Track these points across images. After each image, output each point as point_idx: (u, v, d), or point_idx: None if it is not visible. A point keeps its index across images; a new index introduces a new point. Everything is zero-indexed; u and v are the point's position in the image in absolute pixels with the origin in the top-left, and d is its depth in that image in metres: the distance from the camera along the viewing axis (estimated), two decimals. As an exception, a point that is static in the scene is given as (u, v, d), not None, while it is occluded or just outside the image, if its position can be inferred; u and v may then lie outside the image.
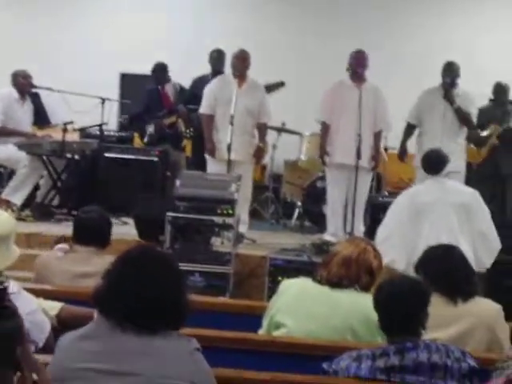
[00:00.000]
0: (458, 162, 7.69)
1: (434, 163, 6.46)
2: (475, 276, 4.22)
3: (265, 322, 3.96)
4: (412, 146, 8.28)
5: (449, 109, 7.96)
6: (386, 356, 3.14)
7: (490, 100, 9.04)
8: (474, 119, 8.05)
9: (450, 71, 8.04)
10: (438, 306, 3.56)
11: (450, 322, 3.89)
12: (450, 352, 3.15)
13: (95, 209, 4.93)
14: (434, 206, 6.18)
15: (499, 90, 8.84)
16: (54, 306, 3.81)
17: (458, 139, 8.08)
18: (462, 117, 7.95)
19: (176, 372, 2.68)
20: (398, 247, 6.06)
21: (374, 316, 3.34)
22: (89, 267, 4.50)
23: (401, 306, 3.21)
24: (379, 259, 3.94)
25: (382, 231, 6.31)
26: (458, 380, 3.12)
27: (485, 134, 8.54)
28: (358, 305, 3.74)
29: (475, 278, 4.19)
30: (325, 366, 3.25)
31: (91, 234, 4.65)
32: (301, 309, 3.82)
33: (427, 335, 3.30)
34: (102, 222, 4.77)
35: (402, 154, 8.33)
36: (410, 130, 8.29)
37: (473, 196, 6.31)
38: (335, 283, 3.83)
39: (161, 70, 9.33)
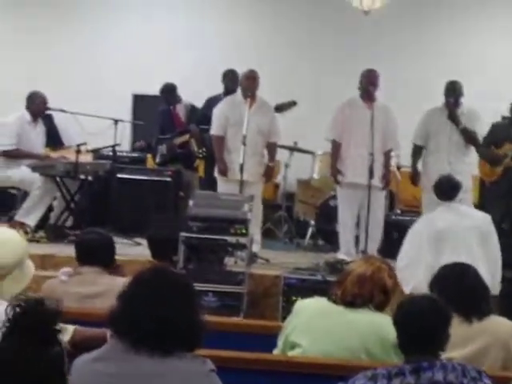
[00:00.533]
0: (465, 181, 7.57)
1: (448, 190, 6.49)
2: (490, 294, 4.20)
3: (280, 342, 3.94)
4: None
5: (454, 129, 7.91)
6: (401, 375, 3.12)
7: (504, 118, 8.95)
8: (480, 137, 7.95)
9: (454, 91, 7.97)
10: (453, 325, 3.53)
11: (466, 341, 3.87)
12: (467, 371, 3.12)
13: (95, 230, 4.98)
14: (453, 232, 6.21)
15: None
16: (67, 328, 3.80)
17: (466, 159, 8.03)
18: (469, 136, 7.90)
19: (191, 394, 2.67)
20: (421, 275, 6.03)
21: (390, 337, 3.32)
22: (95, 287, 4.51)
23: (419, 324, 3.19)
24: (394, 278, 3.91)
25: (401, 259, 6.33)
26: (474, 399, 3.09)
27: (500, 153, 8.45)
28: (374, 325, 3.72)
29: (490, 296, 4.16)
30: (340, 385, 3.23)
31: (94, 254, 4.65)
32: (316, 329, 3.80)
33: (443, 355, 3.28)
34: (104, 242, 4.77)
35: (415, 177, 8.21)
36: (418, 151, 8.20)
37: (485, 220, 6.40)
38: (349, 302, 3.80)
39: (169, 91, 9.31)
